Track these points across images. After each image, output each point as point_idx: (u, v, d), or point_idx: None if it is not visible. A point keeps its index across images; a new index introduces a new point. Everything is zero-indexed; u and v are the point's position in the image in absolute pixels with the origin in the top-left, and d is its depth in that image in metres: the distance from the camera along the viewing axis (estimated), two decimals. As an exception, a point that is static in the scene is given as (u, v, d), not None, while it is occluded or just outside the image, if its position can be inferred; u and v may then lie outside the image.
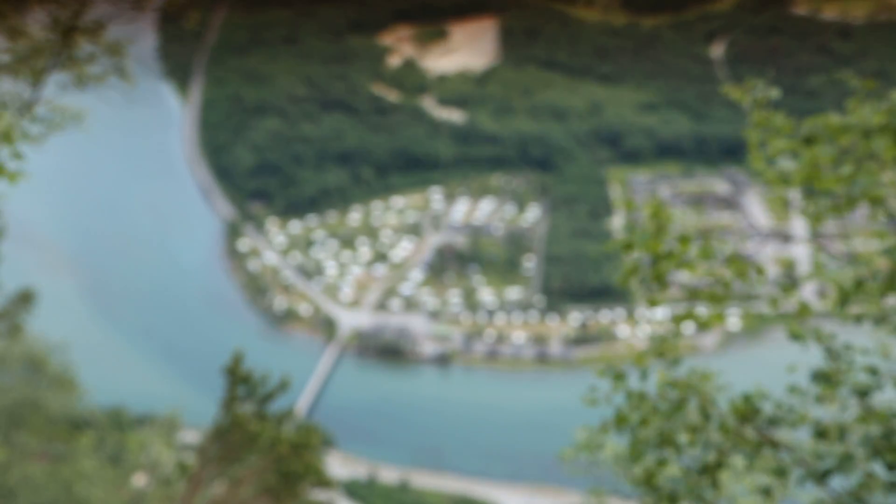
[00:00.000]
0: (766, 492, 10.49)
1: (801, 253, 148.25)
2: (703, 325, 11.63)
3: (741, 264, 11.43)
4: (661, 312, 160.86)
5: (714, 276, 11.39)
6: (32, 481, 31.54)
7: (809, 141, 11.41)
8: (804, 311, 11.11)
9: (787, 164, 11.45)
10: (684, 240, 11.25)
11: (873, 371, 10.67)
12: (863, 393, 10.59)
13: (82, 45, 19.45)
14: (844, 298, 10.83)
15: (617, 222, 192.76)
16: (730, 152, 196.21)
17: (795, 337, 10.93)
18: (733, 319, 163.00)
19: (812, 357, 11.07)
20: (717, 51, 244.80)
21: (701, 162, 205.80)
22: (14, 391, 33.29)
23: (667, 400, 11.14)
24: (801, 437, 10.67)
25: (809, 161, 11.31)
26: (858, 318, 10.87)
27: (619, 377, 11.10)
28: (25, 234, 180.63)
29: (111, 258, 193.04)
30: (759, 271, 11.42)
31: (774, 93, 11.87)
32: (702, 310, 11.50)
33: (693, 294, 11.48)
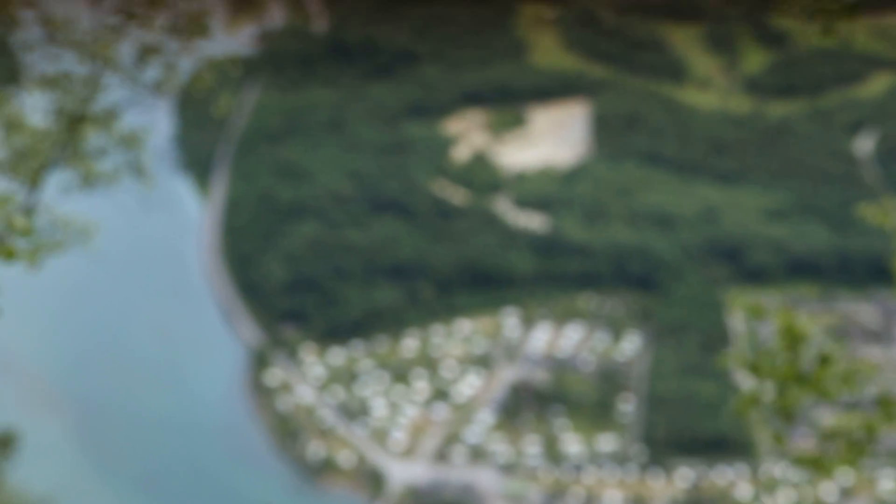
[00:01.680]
0: None
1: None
2: (828, 474, 11.62)
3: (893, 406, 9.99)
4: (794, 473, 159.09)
5: (857, 418, 11.13)
6: None
7: None
8: None
9: None
10: (825, 360, 11.29)
11: None
12: None
13: (90, 138, 20.52)
14: None
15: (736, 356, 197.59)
16: (880, 272, 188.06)
17: None
18: (887, 482, 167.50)
19: None
20: (865, 146, 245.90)
21: (843, 284, 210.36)
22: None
23: None
24: None
25: None
26: None
27: None
28: (6, 365, 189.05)
29: (109, 394, 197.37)
30: None
31: None
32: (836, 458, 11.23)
33: (828, 436, 11.47)
